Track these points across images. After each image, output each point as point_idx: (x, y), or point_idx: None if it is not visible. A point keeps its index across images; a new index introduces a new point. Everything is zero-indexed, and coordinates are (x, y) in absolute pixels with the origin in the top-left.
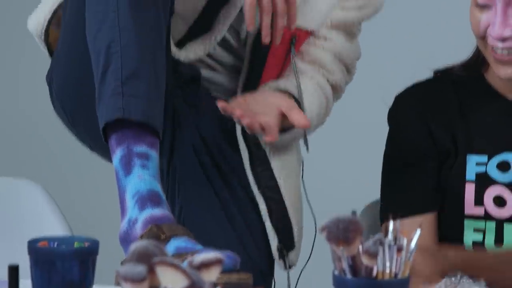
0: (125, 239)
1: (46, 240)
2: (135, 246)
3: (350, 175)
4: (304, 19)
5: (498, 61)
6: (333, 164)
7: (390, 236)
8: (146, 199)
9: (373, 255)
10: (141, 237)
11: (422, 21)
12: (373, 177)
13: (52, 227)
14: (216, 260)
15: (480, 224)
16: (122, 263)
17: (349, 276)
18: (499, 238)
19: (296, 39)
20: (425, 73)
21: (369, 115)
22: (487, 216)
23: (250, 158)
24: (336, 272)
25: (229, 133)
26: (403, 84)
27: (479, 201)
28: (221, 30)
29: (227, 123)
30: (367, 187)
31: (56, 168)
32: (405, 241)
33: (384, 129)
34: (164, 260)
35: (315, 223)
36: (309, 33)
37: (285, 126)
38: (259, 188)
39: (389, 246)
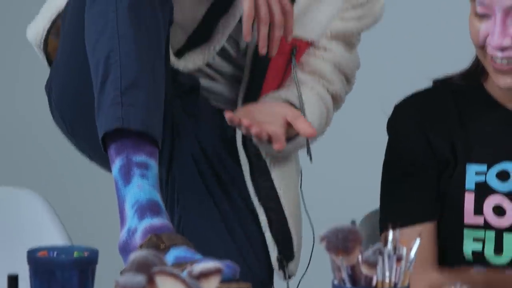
0: (125, 249)
1: (46, 249)
2: (134, 255)
3: (349, 185)
4: (304, 30)
5: (497, 70)
6: (332, 174)
7: (389, 245)
8: (146, 209)
9: (372, 265)
10: (141, 246)
11: (421, 31)
12: (372, 186)
13: (52, 236)
14: (215, 269)
15: (480, 233)
16: (121, 272)
17: (348, 285)
18: (498, 247)
19: (296, 49)
20: (424, 83)
21: (368, 124)
22: (486, 226)
23: (250, 169)
24: (336, 282)
25: (229, 143)
26: (402, 94)
27: (478, 210)
28: (220, 40)
29: (226, 133)
30: (366, 197)
31: (56, 177)
32: (404, 251)
33: (384, 138)
34: (164, 269)
35: (313, 233)
36: (309, 44)
37: (289, 135)
38: (259, 199)
39: (389, 256)
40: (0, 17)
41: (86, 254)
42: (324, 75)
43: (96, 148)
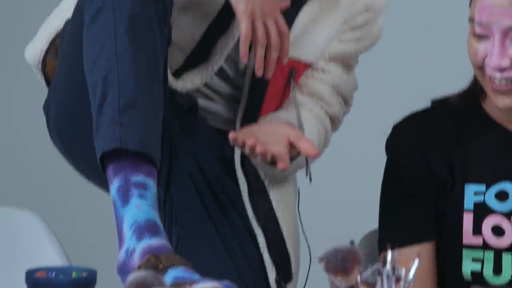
0: (123, 269)
1: (44, 270)
2: (133, 276)
3: (347, 205)
4: (302, 51)
5: (496, 91)
6: (330, 194)
7: (388, 266)
8: (144, 229)
9: (371, 285)
10: (139, 267)
11: (419, 52)
12: (371, 207)
13: (50, 257)
14: None
15: (479, 253)
16: None
17: None
18: (497, 268)
19: (294, 71)
20: (423, 103)
21: (366, 145)
22: (485, 246)
23: (248, 190)
24: None
25: (227, 163)
26: (401, 114)
27: (477, 230)
28: (219, 60)
29: (225, 153)
30: (364, 217)
31: (54, 197)
32: (403, 271)
33: (382, 158)
34: None
35: (310, 253)
36: (307, 66)
37: (290, 156)
38: (258, 220)
39: (388, 276)
40: None
41: (84, 274)
42: (322, 97)
43: (94, 168)
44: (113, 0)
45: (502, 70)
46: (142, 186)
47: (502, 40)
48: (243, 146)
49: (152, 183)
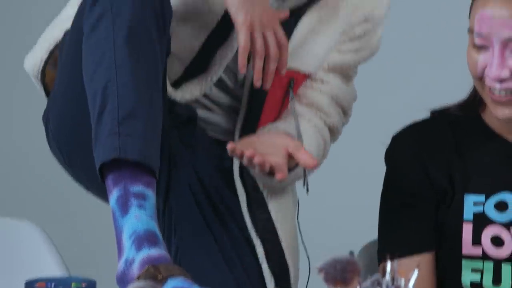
0: (122, 280)
1: (44, 280)
2: (132, 286)
3: (347, 215)
4: (301, 62)
5: (495, 102)
6: (329, 205)
7: (387, 276)
8: (143, 239)
9: None
10: (138, 277)
11: (419, 62)
12: (370, 217)
13: (50, 267)
14: None
15: (478, 264)
16: None
17: None
18: (497, 278)
19: (293, 82)
20: (422, 113)
21: (366, 155)
22: (485, 256)
23: (247, 201)
24: None
25: (226, 173)
26: (400, 124)
27: (476, 241)
28: (218, 71)
29: (224, 164)
30: (364, 227)
31: (53, 208)
32: (403, 282)
33: (381, 169)
34: None
35: (309, 264)
36: (306, 76)
37: (289, 166)
38: (256, 231)
39: (387, 287)
40: None
41: (84, 285)
42: (321, 107)
43: (94, 178)
44: (112, 8)
45: (501, 81)
46: (142, 196)
47: (501, 51)
48: (241, 156)
49: (151, 194)
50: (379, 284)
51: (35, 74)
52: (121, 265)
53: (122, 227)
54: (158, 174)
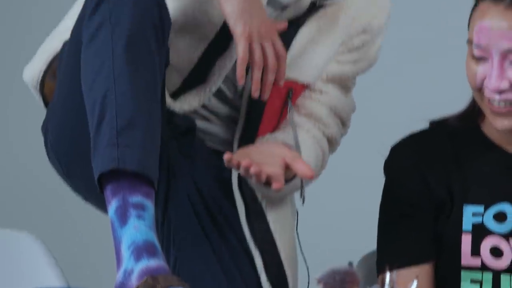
0: None
1: None
2: None
3: (346, 226)
4: (300, 72)
5: (495, 113)
6: (328, 215)
7: (387, 287)
8: (142, 250)
9: None
10: None
11: (417, 72)
12: (369, 228)
13: (49, 279)
14: None
15: (477, 275)
16: None
17: None
18: None
19: (292, 92)
20: (421, 124)
21: (364, 166)
22: (484, 267)
23: (246, 211)
24: None
25: (225, 184)
26: (399, 135)
27: (475, 251)
28: (216, 81)
29: (222, 174)
30: (363, 238)
31: (52, 219)
32: None
33: (380, 179)
34: None
35: (308, 275)
36: (304, 86)
37: (286, 177)
38: (255, 242)
39: None
40: None
41: None
42: (320, 118)
43: (92, 189)
44: (111, 18)
45: (501, 92)
46: (140, 207)
47: (501, 62)
48: (238, 167)
49: (150, 204)
50: None
51: (34, 85)
52: (119, 275)
53: (121, 238)
54: (157, 184)
